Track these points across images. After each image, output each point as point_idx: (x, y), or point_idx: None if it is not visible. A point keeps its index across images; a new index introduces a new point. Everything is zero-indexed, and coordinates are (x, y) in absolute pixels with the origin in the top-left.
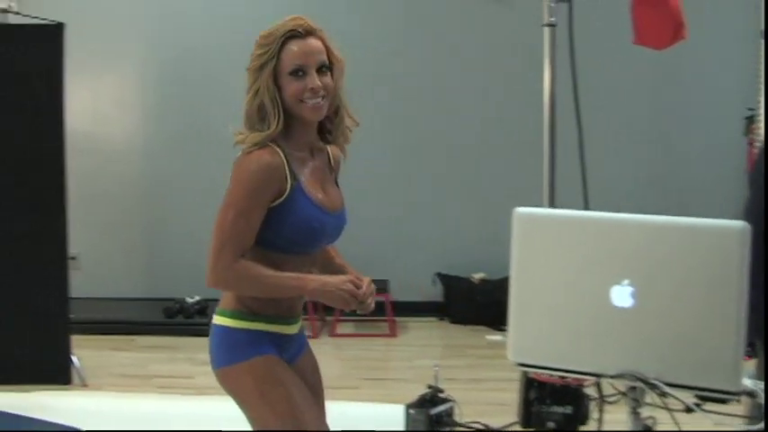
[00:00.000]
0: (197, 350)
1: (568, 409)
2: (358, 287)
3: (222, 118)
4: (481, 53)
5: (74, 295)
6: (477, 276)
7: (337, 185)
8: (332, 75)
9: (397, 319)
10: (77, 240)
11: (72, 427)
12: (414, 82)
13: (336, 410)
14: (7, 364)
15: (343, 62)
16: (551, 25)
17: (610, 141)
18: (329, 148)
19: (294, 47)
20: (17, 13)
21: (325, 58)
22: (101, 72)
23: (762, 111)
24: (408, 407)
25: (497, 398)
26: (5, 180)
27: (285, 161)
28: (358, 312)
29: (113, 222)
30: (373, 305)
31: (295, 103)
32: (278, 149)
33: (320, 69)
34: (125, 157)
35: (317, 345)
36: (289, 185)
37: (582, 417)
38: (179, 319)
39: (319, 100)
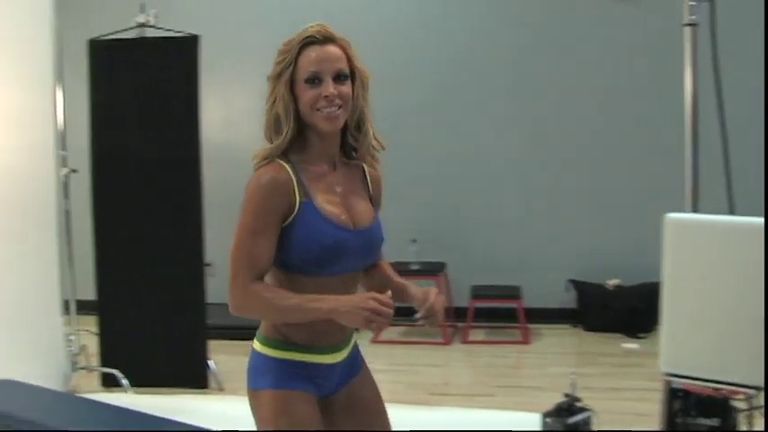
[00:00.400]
0: None
1: (715, 422)
2: (386, 305)
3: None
4: (611, 53)
5: (209, 301)
6: (612, 283)
7: (372, 202)
8: (353, 85)
9: (530, 325)
10: (211, 247)
11: (209, 430)
12: (546, 85)
13: (472, 418)
14: (148, 368)
15: (368, 74)
16: (692, 24)
17: (753, 143)
18: (365, 166)
19: (312, 53)
20: (154, 27)
21: (343, 66)
22: (232, 82)
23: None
24: (545, 415)
25: (636, 408)
26: (145, 189)
27: (293, 176)
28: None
29: None
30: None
31: (310, 112)
32: (285, 165)
33: (338, 78)
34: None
35: (448, 352)
36: (297, 201)
37: (730, 429)
38: None
39: (334, 109)
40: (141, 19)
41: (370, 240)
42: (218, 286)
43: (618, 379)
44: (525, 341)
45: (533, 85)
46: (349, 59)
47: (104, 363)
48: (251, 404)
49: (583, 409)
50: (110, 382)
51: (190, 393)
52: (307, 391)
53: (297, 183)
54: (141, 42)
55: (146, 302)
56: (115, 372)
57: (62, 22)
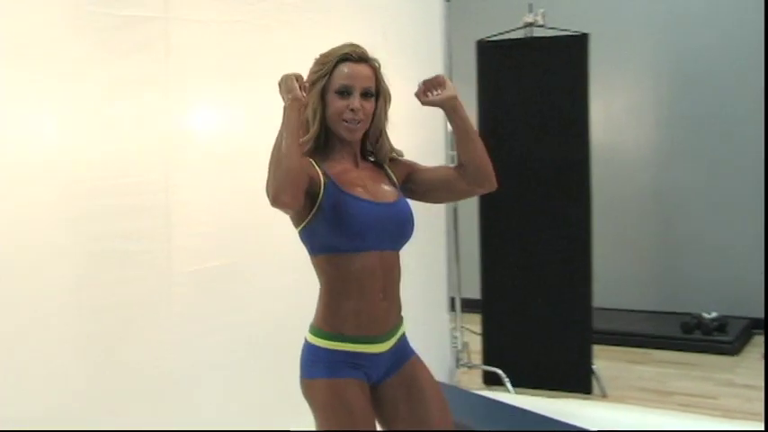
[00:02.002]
0: (716, 369)
1: None
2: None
3: (735, 122)
4: None
5: (594, 305)
6: None
7: (396, 188)
8: (377, 104)
9: None
10: (595, 250)
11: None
12: None
13: None
14: (530, 369)
15: (390, 94)
16: None
17: None
18: (385, 166)
19: (345, 68)
20: (542, 26)
21: (370, 85)
22: (615, 81)
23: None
24: None
25: None
26: (532, 192)
27: (316, 164)
28: None
29: (626, 233)
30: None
31: (336, 121)
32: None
33: (364, 95)
34: (636, 166)
35: None
36: (322, 182)
37: None
38: (696, 335)
39: (356, 123)
40: (529, 19)
41: (396, 213)
42: (601, 291)
43: None
44: None
45: None
46: (377, 80)
47: (487, 361)
48: (304, 393)
49: None
50: (490, 381)
51: (572, 398)
52: (357, 378)
53: (319, 169)
54: (529, 42)
55: (530, 303)
56: (498, 371)
57: (452, 25)
